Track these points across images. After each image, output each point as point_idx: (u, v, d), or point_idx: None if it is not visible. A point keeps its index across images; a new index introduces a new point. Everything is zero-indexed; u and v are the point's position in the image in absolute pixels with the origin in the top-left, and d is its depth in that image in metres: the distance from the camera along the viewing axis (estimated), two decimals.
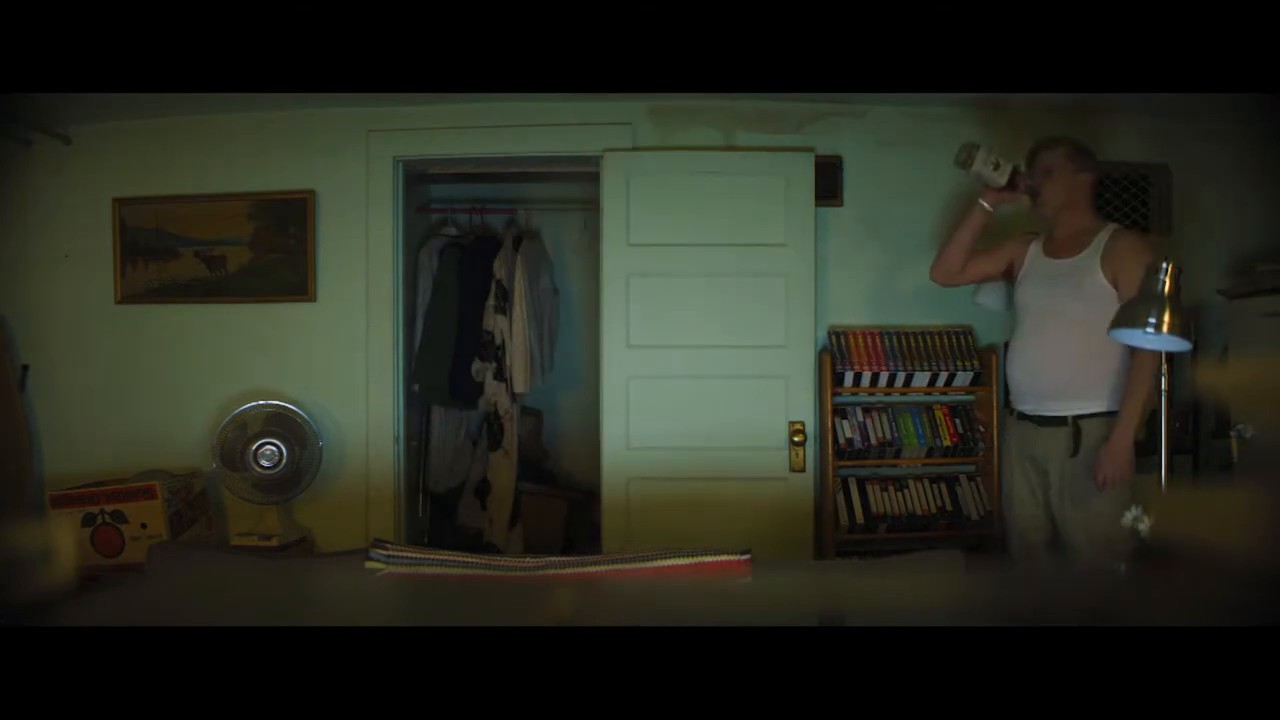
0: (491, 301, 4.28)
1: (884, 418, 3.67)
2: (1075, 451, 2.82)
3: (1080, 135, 3.74)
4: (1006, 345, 3.24)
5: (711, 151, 3.71)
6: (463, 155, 3.92)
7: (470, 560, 2.14)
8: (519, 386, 4.24)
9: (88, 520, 3.44)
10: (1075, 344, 2.83)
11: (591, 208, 3.97)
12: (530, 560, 2.10)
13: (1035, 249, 3.06)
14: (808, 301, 3.59)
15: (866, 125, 3.78)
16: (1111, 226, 2.93)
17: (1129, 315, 2.40)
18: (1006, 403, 3.17)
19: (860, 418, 3.66)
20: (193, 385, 3.81)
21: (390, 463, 3.81)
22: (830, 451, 3.60)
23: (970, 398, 3.74)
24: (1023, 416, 2.99)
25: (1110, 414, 2.81)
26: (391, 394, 3.83)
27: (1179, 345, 2.40)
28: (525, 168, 4.20)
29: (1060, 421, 2.86)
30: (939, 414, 3.69)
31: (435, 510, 4.48)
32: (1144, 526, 2.34)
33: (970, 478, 3.72)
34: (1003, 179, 3.00)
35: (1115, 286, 2.80)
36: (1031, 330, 2.96)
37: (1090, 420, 2.83)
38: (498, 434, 4.33)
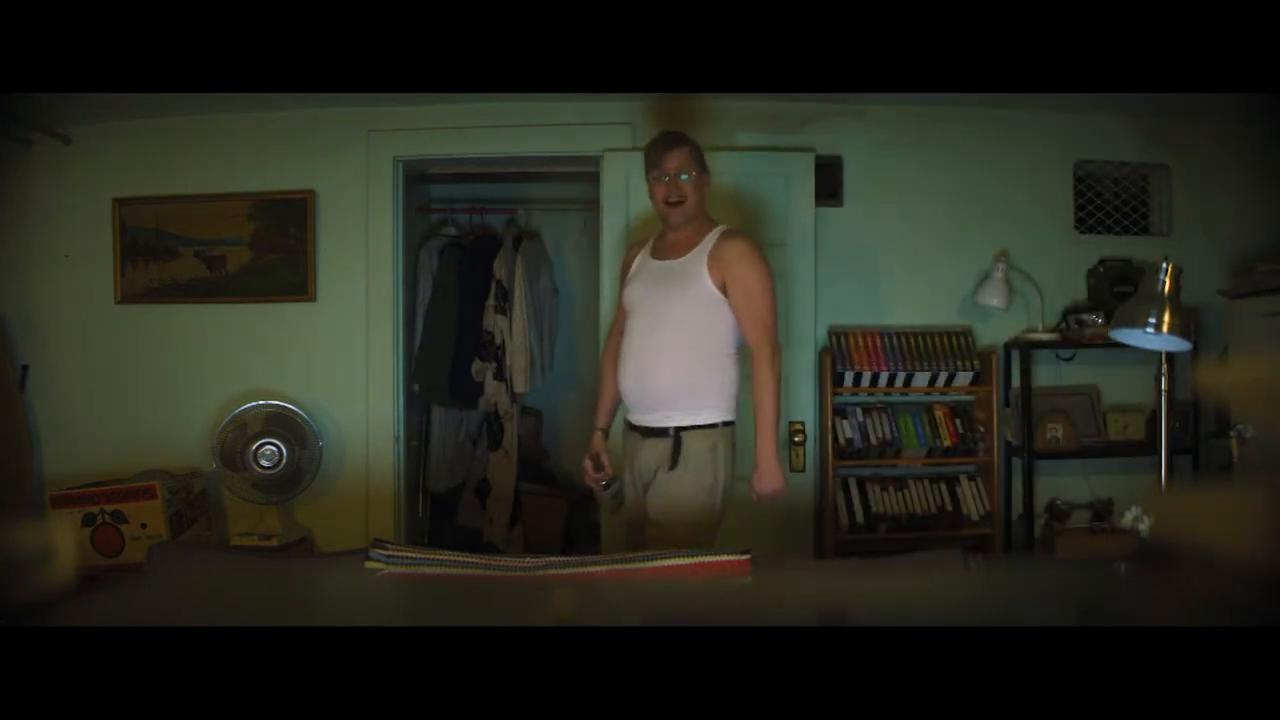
0: (491, 301, 4.28)
1: (884, 418, 3.67)
2: (674, 464, 2.62)
3: (1081, 134, 3.75)
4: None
5: (712, 151, 3.70)
6: (463, 155, 3.92)
7: (470, 560, 2.14)
8: (519, 386, 4.25)
9: (88, 520, 3.44)
10: (683, 349, 2.63)
11: (591, 208, 3.97)
12: (530, 560, 2.10)
13: (645, 251, 2.82)
14: (808, 301, 3.58)
15: (866, 125, 3.78)
16: (720, 228, 2.71)
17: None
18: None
19: (860, 418, 3.67)
20: (193, 385, 3.81)
21: (390, 463, 3.82)
22: (830, 451, 3.60)
23: (970, 398, 3.74)
24: (631, 427, 2.76)
25: (711, 426, 2.62)
26: (391, 394, 3.83)
27: (1179, 345, 2.40)
28: (525, 168, 4.21)
29: (663, 434, 2.65)
30: (939, 414, 3.69)
31: (435, 510, 4.48)
32: (1144, 526, 2.34)
33: (970, 477, 3.73)
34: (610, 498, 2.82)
35: (723, 292, 2.62)
36: (639, 334, 2.70)
37: (692, 433, 2.62)
38: (498, 434, 4.33)
